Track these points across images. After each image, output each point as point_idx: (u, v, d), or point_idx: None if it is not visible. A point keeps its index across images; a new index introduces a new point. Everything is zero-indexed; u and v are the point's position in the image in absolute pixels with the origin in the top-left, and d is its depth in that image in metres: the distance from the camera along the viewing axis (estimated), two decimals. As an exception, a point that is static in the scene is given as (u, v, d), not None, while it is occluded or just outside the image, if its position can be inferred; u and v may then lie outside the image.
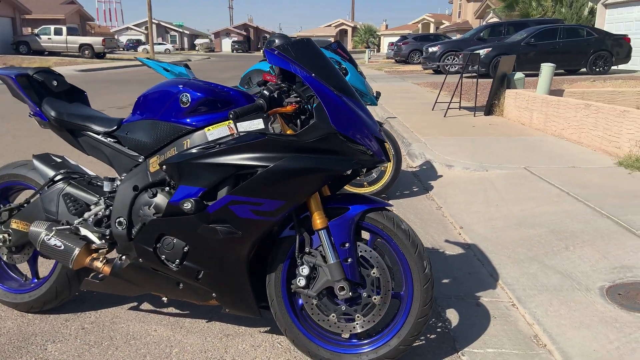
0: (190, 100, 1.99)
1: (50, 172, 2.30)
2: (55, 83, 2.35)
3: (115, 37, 53.35)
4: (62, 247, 2.15)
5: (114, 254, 2.18)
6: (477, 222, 3.66)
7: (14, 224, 2.31)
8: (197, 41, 69.30)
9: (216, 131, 1.99)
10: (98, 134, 2.21)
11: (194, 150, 1.95)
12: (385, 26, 61.43)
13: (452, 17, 46.86)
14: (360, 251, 1.97)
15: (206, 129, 1.99)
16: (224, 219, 1.91)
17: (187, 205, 1.89)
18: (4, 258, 2.41)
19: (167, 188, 2.08)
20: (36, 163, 2.33)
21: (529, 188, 4.33)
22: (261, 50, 68.61)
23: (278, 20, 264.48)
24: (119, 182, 2.18)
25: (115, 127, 2.19)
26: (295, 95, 1.96)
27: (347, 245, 1.94)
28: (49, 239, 2.15)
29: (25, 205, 2.34)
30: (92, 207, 2.21)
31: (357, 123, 1.86)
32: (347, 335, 2.05)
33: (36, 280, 2.47)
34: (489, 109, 8.39)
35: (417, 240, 1.95)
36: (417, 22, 54.03)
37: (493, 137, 6.60)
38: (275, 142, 1.85)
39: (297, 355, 2.13)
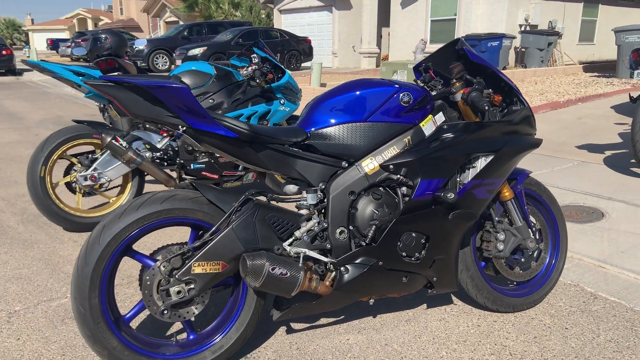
0: (412, 99, 2.06)
1: (228, 198, 1.90)
2: None
3: None
4: (288, 275, 1.87)
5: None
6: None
7: (198, 268, 1.81)
8: None
9: (428, 125, 2.13)
10: (283, 145, 1.97)
11: (423, 147, 2.06)
12: (31, 20, 53.94)
13: (114, 14, 45.04)
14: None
15: (421, 124, 2.10)
16: (467, 202, 2.10)
17: (451, 196, 1.99)
18: (164, 316, 1.84)
19: (382, 188, 2.07)
20: (208, 194, 1.88)
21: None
22: None
23: None
24: (320, 193, 2.01)
25: (305, 137, 2.00)
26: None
27: (524, 208, 2.40)
28: (274, 269, 1.84)
29: (206, 242, 1.86)
30: (302, 224, 1.97)
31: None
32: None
33: (195, 334, 1.97)
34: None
35: (554, 196, 2.56)
36: (71, 17, 49.63)
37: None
38: (499, 128, 2.16)
39: (480, 314, 2.45)
